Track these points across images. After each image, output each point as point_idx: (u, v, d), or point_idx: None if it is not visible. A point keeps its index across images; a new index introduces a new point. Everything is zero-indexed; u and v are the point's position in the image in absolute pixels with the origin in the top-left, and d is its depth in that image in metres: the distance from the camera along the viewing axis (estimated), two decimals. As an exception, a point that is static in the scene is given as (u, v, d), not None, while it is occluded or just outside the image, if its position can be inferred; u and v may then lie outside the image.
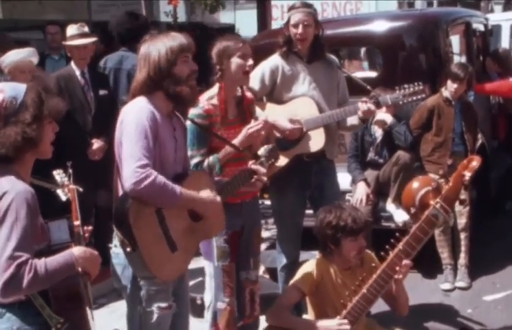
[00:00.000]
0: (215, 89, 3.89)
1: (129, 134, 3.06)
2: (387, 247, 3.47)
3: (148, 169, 3.00)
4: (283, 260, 4.62)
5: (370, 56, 7.60)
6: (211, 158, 3.73)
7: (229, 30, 17.23)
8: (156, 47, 3.18)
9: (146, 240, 3.06)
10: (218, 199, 3.34)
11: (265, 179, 3.67)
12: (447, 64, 6.13)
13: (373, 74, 6.40)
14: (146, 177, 2.98)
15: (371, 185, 5.70)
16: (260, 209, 4.36)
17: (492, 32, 8.52)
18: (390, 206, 5.73)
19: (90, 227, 3.19)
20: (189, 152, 3.68)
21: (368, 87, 4.73)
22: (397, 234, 3.45)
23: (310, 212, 4.64)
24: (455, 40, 8.15)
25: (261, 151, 3.72)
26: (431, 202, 3.39)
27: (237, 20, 18.87)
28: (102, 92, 5.79)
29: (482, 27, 7.87)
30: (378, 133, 5.85)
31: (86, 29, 5.83)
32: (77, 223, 3.04)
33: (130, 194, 3.01)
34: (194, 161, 3.73)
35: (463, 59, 7.11)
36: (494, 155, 7.25)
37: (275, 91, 4.40)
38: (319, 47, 4.50)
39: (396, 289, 3.58)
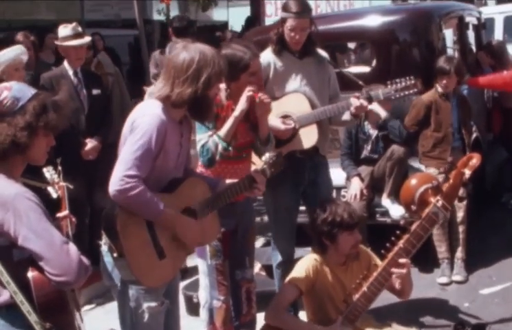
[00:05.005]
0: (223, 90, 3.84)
1: (133, 139, 3.05)
2: (387, 245, 3.47)
3: (135, 181, 2.98)
4: (279, 258, 4.60)
5: (363, 51, 7.58)
6: (215, 136, 3.71)
7: (222, 27, 17.27)
8: (208, 67, 3.12)
9: (134, 248, 3.05)
10: (196, 225, 3.27)
11: (264, 188, 3.63)
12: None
13: (366, 69, 6.36)
14: (130, 188, 2.97)
15: (366, 180, 5.69)
16: (254, 207, 4.35)
17: (485, 25, 8.51)
18: (385, 201, 5.72)
19: (74, 219, 3.21)
20: (197, 137, 3.69)
21: (360, 82, 4.70)
22: (398, 232, 3.45)
23: (302, 208, 4.64)
24: (449, 34, 8.15)
25: (265, 158, 3.68)
26: (432, 200, 3.39)
27: (230, 17, 18.88)
28: (95, 91, 5.79)
29: (475, 21, 7.86)
30: (371, 130, 5.85)
31: (80, 29, 5.84)
32: (65, 212, 3.08)
33: (113, 200, 3.02)
34: (201, 143, 3.72)
35: (456, 53, 7.09)
36: (489, 148, 7.26)
37: (267, 87, 4.37)
38: (311, 43, 4.47)
39: (402, 282, 3.58)
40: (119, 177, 3.00)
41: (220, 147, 3.69)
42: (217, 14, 18.14)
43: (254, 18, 13.75)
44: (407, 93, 4.47)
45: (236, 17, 18.00)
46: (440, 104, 5.84)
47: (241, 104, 3.75)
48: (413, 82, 4.43)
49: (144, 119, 3.09)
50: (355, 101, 4.35)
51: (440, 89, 5.84)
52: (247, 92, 3.75)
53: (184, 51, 3.15)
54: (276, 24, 4.60)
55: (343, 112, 4.45)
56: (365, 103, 4.36)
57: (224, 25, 17.92)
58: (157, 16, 15.06)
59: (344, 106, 4.41)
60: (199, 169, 3.90)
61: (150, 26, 15.43)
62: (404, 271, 3.47)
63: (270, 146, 3.96)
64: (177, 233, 3.19)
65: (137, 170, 3.00)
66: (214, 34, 13.36)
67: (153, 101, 3.18)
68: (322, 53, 4.61)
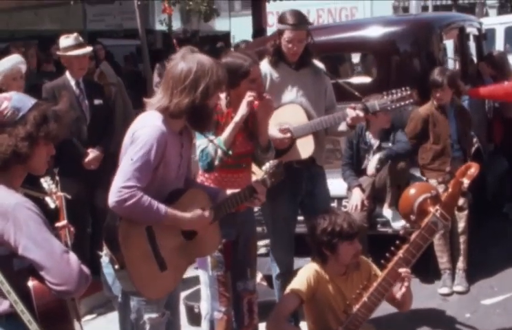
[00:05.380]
0: (223, 98, 3.86)
1: (133, 150, 3.06)
2: (387, 255, 3.47)
3: (134, 190, 2.99)
4: (278, 269, 4.61)
5: (364, 62, 7.59)
6: (215, 140, 3.72)
7: (224, 38, 17.33)
8: (206, 76, 3.13)
9: (135, 259, 3.06)
10: (206, 214, 3.30)
11: (264, 198, 3.64)
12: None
13: (367, 80, 6.37)
14: (129, 197, 2.98)
15: (367, 190, 5.67)
16: (256, 217, 4.35)
17: (486, 36, 8.54)
18: (387, 211, 5.71)
19: (72, 229, 3.22)
20: (197, 142, 3.70)
21: (356, 93, 4.71)
22: (397, 242, 3.45)
23: (301, 218, 4.65)
24: (450, 45, 8.17)
25: (266, 167, 3.69)
26: (431, 209, 3.39)
27: (233, 27, 18.92)
28: (97, 102, 5.81)
29: (476, 31, 7.88)
30: (373, 140, 5.84)
31: (81, 39, 5.88)
32: (63, 222, 3.08)
33: (113, 210, 3.03)
34: (200, 148, 3.73)
35: (457, 64, 7.12)
36: (490, 158, 7.25)
37: None
38: (307, 55, 4.50)
39: (403, 294, 3.58)
40: (117, 188, 3.01)
41: (220, 152, 3.70)
42: (219, 25, 18.20)
43: (262, 29, 13.79)
44: (402, 103, 4.48)
45: (238, 27, 18.06)
46: (437, 117, 5.84)
47: (242, 110, 3.77)
48: (409, 93, 4.45)
49: (144, 130, 3.10)
50: (351, 112, 4.36)
51: (435, 102, 5.85)
52: (247, 97, 3.77)
53: (182, 62, 3.16)
54: (273, 36, 4.60)
55: (339, 123, 4.47)
56: (360, 114, 4.37)
57: (226, 36, 18.00)
58: (159, 26, 15.09)
59: (340, 116, 4.43)
60: (200, 178, 3.92)
61: (152, 36, 15.49)
62: (408, 280, 3.47)
63: (271, 153, 3.97)
64: (188, 227, 3.21)
65: (136, 181, 3.02)
66: (216, 44, 13.42)
67: (154, 112, 3.19)
68: (318, 64, 4.63)
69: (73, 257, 2.52)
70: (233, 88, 3.83)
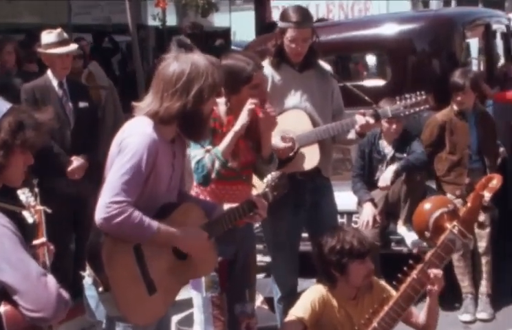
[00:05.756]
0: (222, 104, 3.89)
1: (121, 161, 3.09)
2: (399, 275, 3.48)
3: (123, 205, 3.02)
4: (280, 291, 4.64)
5: (378, 62, 7.62)
6: (213, 150, 3.74)
7: (224, 34, 17.36)
8: (199, 78, 3.15)
9: (121, 281, 3.08)
10: (204, 235, 3.32)
11: (265, 214, 3.66)
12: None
13: (381, 83, 6.40)
14: (118, 213, 3.01)
15: (379, 205, 5.70)
16: (256, 234, 4.39)
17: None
18: (401, 228, 5.73)
19: (52, 247, 3.23)
20: (192, 152, 3.73)
21: (366, 98, 4.75)
22: (410, 261, 3.46)
23: (305, 235, 4.68)
24: (474, 43, 8.18)
25: (267, 179, 3.71)
26: (447, 225, 3.40)
27: (233, 22, 18.93)
28: (82, 104, 5.83)
29: (504, 28, 7.89)
30: (387, 149, 5.87)
31: (65, 35, 5.89)
32: (42, 240, 3.10)
33: (100, 228, 3.05)
34: (196, 158, 3.75)
35: (482, 64, 7.14)
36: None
37: None
38: (312, 55, 4.53)
39: (427, 316, 3.59)
40: (105, 204, 3.03)
41: (217, 164, 3.72)
42: (219, 20, 18.23)
43: (272, 24, 13.84)
44: (417, 109, 4.52)
45: (239, 23, 18.07)
46: (456, 124, 5.84)
47: (242, 118, 3.80)
48: (424, 98, 4.48)
49: (132, 138, 3.12)
50: (360, 118, 4.39)
51: (455, 107, 5.86)
52: (248, 105, 3.79)
53: (175, 62, 3.19)
54: (274, 34, 4.65)
55: (348, 130, 4.50)
56: (371, 120, 4.40)
57: (225, 32, 18.02)
58: (152, 22, 15.12)
59: (348, 123, 4.45)
60: (195, 190, 3.94)
61: (144, 32, 15.53)
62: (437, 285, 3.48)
63: (274, 165, 4.00)
64: (181, 247, 3.24)
65: (126, 195, 3.04)
66: (214, 41, 13.46)
67: (143, 118, 3.21)
68: (324, 65, 4.66)
69: (51, 280, 2.52)
70: (234, 93, 3.86)
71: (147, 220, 3.09)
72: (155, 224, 3.12)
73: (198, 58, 3.22)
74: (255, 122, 3.86)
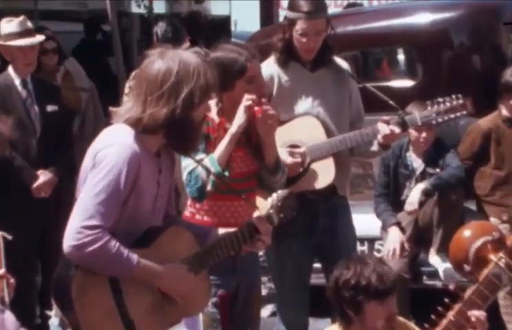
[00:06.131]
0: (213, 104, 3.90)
1: (96, 177, 3.09)
2: (432, 316, 3.45)
3: (98, 232, 3.02)
4: (287, 333, 4.63)
5: (406, 59, 7.62)
6: (206, 159, 3.75)
7: (223, 24, 17.42)
8: (190, 79, 3.16)
9: (94, 321, 3.07)
10: (189, 277, 3.30)
11: (269, 240, 3.64)
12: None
13: (409, 83, 6.39)
14: (91, 241, 3.00)
15: (408, 230, 5.69)
16: (260, 263, 4.39)
17: None
18: (434, 258, 5.72)
19: (12, 280, 3.23)
20: (183, 163, 3.75)
21: (391, 102, 4.73)
22: (446, 300, 3.44)
23: (317, 265, 4.68)
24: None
25: (272, 199, 3.68)
26: (492, 257, 3.38)
27: (234, 10, 19.01)
28: (50, 108, 5.82)
29: None
30: (416, 163, 5.85)
31: (29, 24, 5.87)
32: (0, 271, 3.12)
33: (69, 258, 3.04)
34: (187, 169, 3.77)
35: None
36: None
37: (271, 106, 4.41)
38: (327, 51, 4.54)
39: None
40: (76, 229, 3.02)
41: (213, 174, 3.73)
42: (216, 7, 18.31)
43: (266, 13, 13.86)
44: (452, 116, 4.52)
45: (240, 10, 18.15)
46: (504, 132, 5.81)
47: (238, 118, 3.82)
48: (461, 102, 4.48)
49: (109, 150, 3.11)
50: (384, 127, 4.39)
51: (505, 112, 5.81)
52: (245, 101, 3.82)
53: (160, 60, 3.19)
54: (281, 26, 4.67)
55: (369, 141, 4.50)
56: (396, 129, 4.40)
57: (224, 21, 18.09)
58: (136, 9, 15.17)
59: (369, 133, 4.46)
60: (189, 209, 3.96)
61: (127, 20, 15.59)
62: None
63: (281, 175, 4.01)
64: (163, 288, 3.22)
65: (101, 220, 3.04)
66: (212, 32, 13.49)
67: (122, 126, 3.20)
68: (341, 63, 4.67)
69: (9, 318, 2.55)
70: (226, 91, 3.88)
71: (126, 252, 3.08)
72: (134, 258, 3.11)
73: (188, 55, 3.24)
74: (254, 123, 3.88)
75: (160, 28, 14.74)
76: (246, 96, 3.83)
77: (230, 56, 3.88)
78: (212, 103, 3.85)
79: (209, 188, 3.76)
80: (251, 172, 3.99)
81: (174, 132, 3.20)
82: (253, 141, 3.96)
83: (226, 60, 3.86)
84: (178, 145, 3.32)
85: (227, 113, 3.91)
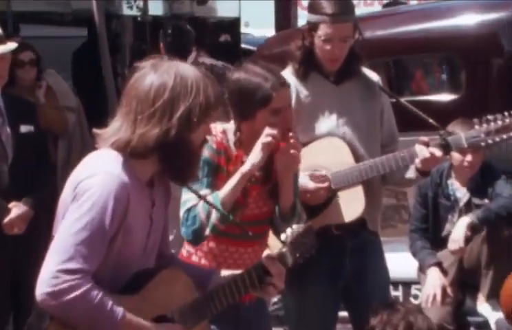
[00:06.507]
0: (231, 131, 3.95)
1: (76, 212, 3.08)
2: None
3: (79, 277, 3.02)
4: None
5: (447, 69, 7.61)
6: (209, 197, 3.75)
7: (231, 27, 17.45)
8: (187, 96, 3.16)
9: None
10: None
11: (282, 285, 3.59)
12: None
13: (451, 97, 6.38)
14: (70, 288, 3.00)
15: (451, 272, 5.67)
16: (271, 312, 4.43)
17: None
18: (483, 307, 5.69)
19: None
20: (183, 196, 3.77)
21: (431, 120, 4.72)
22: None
23: (344, 314, 4.68)
24: None
25: (286, 235, 3.62)
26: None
27: (244, 11, 19.04)
28: (24, 128, 5.85)
29: None
30: (460, 192, 5.84)
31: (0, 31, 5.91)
32: None
33: (43, 307, 3.04)
34: (186, 205, 3.78)
35: None
36: None
37: None
38: (354, 60, 4.56)
39: None
40: (52, 273, 3.02)
41: (214, 216, 3.74)
42: (223, 7, 18.35)
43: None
44: (505, 137, 4.52)
45: (252, 11, 18.19)
46: None
47: (254, 155, 3.83)
48: None
49: (93, 180, 3.11)
50: (422, 150, 4.38)
51: None
52: (264, 137, 3.81)
53: (153, 73, 3.20)
54: (300, 30, 4.70)
55: (404, 166, 4.50)
56: (437, 152, 4.39)
57: (233, 23, 18.12)
58: (128, 11, 15.20)
59: (405, 157, 4.46)
60: (186, 248, 3.99)
61: (118, 24, 15.64)
62: None
63: (297, 220, 3.99)
64: None
65: (82, 262, 3.03)
66: (219, 35, 13.52)
67: (108, 152, 3.21)
68: (371, 75, 4.69)
69: None
70: (246, 120, 3.90)
71: (110, 303, 3.08)
72: (119, 312, 3.10)
73: (185, 68, 3.24)
74: (272, 159, 3.89)
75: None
76: (267, 131, 3.82)
77: (254, 81, 3.87)
78: (231, 129, 3.90)
79: (207, 232, 3.76)
80: (263, 216, 4.01)
81: (168, 156, 3.20)
82: (273, 178, 3.97)
83: (247, 85, 3.87)
84: (174, 172, 3.31)
85: (245, 145, 3.92)
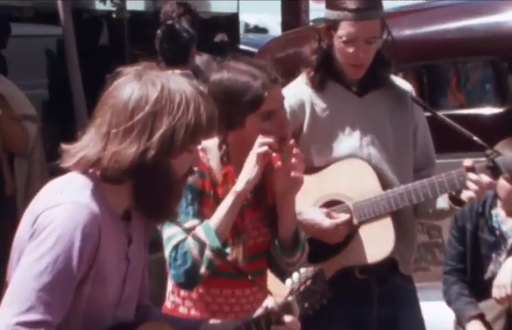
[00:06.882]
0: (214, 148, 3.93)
1: (36, 252, 3.04)
2: None
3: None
4: None
5: (493, 76, 7.66)
6: (199, 228, 3.73)
7: (229, 24, 17.68)
8: (173, 110, 3.13)
9: None
10: None
11: None
12: None
13: (495, 111, 6.40)
14: None
15: (497, 327, 5.67)
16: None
17: None
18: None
19: None
20: (165, 231, 3.75)
21: (475, 138, 4.69)
22: None
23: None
24: None
25: (293, 280, 3.63)
26: None
27: (243, 7, 19.32)
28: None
29: None
30: (507, 225, 5.84)
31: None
32: None
33: None
34: (172, 242, 3.75)
35: None
36: None
37: (300, 147, 4.38)
38: (381, 66, 4.56)
39: None
40: (8, 326, 2.98)
41: (209, 251, 3.70)
42: (220, 3, 18.61)
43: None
44: None
45: (251, 7, 18.43)
46: None
47: (248, 171, 3.80)
48: None
49: (56, 212, 3.08)
50: (467, 176, 4.36)
51: None
52: (258, 147, 3.79)
53: (135, 82, 3.17)
54: (315, 29, 4.69)
55: (441, 195, 4.49)
56: (485, 178, 4.37)
57: (231, 21, 18.35)
58: (101, 5, 15.37)
59: (444, 183, 4.44)
60: (171, 298, 4.00)
61: (88, 21, 15.79)
62: None
63: (301, 255, 3.99)
64: None
65: (45, 312, 2.99)
66: (214, 34, 13.63)
67: (74, 177, 3.19)
68: (401, 83, 4.72)
69: None
70: (233, 129, 3.88)
71: None
72: None
73: (177, 80, 3.21)
74: (269, 176, 3.89)
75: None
76: (260, 139, 3.79)
77: (240, 80, 3.85)
78: (213, 145, 3.88)
79: (203, 270, 3.71)
80: (259, 248, 4.00)
81: (143, 184, 3.18)
82: (269, 202, 3.97)
83: (233, 85, 3.84)
84: (147, 204, 3.27)
85: (235, 159, 3.90)
